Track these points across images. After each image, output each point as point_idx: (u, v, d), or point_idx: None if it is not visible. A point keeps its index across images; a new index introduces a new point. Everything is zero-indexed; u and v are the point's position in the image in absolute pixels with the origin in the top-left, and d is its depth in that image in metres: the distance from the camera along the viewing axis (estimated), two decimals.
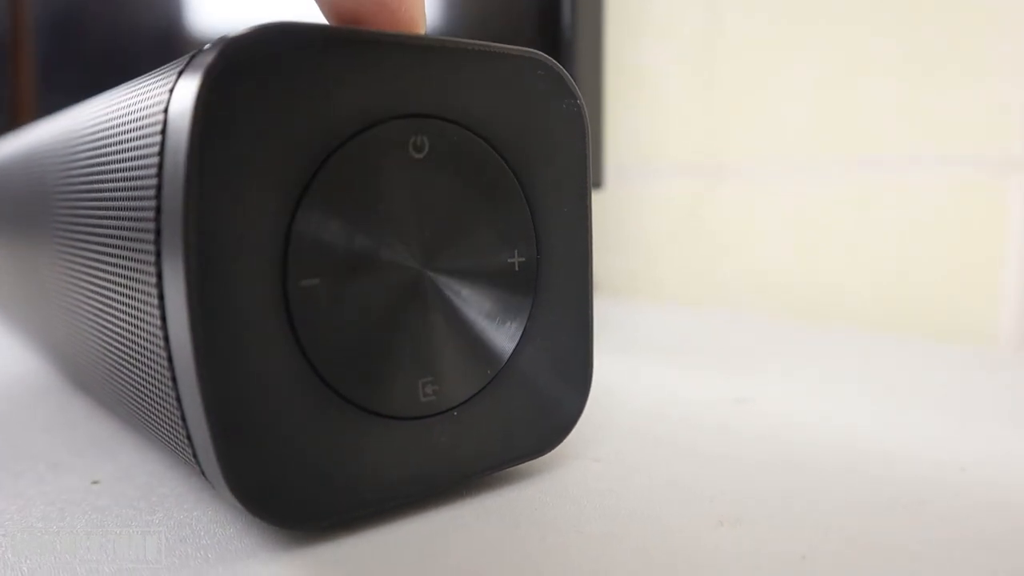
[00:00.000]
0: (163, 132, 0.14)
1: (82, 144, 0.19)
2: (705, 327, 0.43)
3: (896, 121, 0.42)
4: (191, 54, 0.14)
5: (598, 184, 0.39)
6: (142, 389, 0.17)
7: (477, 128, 0.17)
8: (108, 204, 0.17)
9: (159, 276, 0.14)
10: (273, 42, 0.14)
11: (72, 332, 0.22)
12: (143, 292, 0.15)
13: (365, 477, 0.16)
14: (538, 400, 0.18)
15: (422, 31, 0.17)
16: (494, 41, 0.17)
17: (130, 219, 0.15)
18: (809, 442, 0.22)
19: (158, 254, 0.14)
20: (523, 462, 0.19)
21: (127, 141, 0.16)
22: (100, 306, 0.18)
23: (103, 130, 0.18)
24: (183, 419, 0.15)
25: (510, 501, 0.18)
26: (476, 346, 0.17)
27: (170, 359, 0.15)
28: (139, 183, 0.15)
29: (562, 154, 0.18)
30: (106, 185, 0.17)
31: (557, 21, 0.37)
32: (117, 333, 0.17)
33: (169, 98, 0.14)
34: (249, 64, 0.13)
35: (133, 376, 0.17)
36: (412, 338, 0.16)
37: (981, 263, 0.39)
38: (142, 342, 0.16)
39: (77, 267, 0.20)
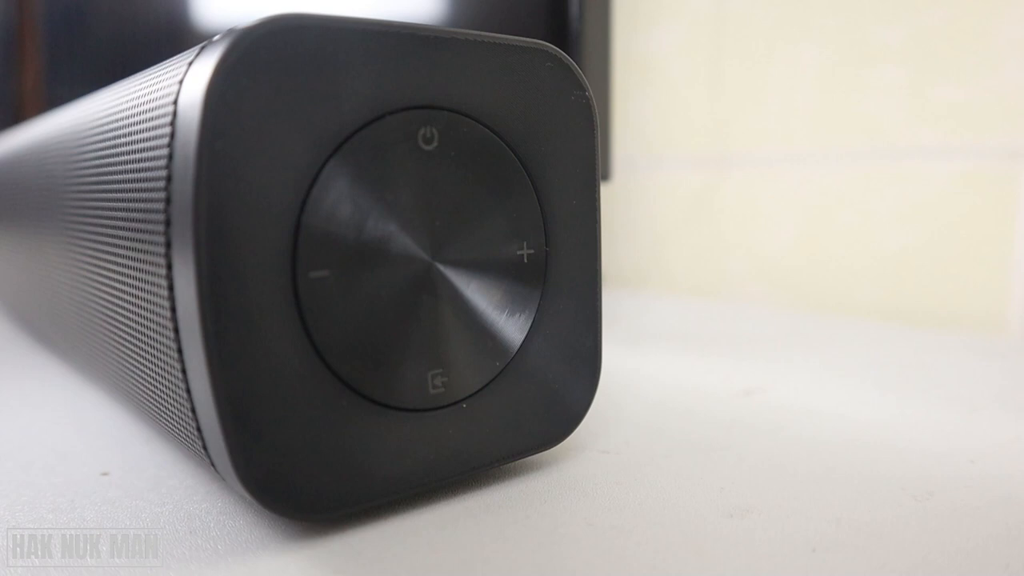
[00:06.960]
0: (173, 123, 0.14)
1: (91, 135, 0.19)
2: (713, 318, 0.43)
3: (904, 110, 0.41)
4: (201, 45, 0.14)
5: (606, 175, 0.39)
6: (152, 380, 0.17)
7: (486, 120, 0.17)
8: (118, 195, 0.17)
9: (169, 267, 0.14)
10: (283, 33, 0.14)
11: (82, 324, 0.22)
12: (153, 283, 0.15)
13: (374, 469, 0.16)
14: (547, 392, 0.18)
15: None
16: (502, 33, 0.17)
17: (140, 210, 0.15)
18: (818, 433, 0.22)
19: (168, 245, 0.14)
20: (532, 454, 0.19)
21: (137, 132, 0.16)
22: (110, 298, 0.18)
23: (112, 121, 0.18)
24: (193, 411, 0.15)
25: (519, 493, 0.18)
26: (485, 338, 0.17)
27: (180, 350, 0.15)
28: (149, 174, 0.15)
29: (571, 145, 0.18)
30: (116, 176, 0.17)
31: (565, 13, 0.36)
32: (127, 325, 0.18)
33: (179, 89, 0.14)
34: (259, 55, 0.13)
35: (143, 367, 0.17)
36: (421, 330, 0.16)
37: (990, 252, 0.39)
38: (152, 333, 0.16)
39: (87, 259, 0.20)
